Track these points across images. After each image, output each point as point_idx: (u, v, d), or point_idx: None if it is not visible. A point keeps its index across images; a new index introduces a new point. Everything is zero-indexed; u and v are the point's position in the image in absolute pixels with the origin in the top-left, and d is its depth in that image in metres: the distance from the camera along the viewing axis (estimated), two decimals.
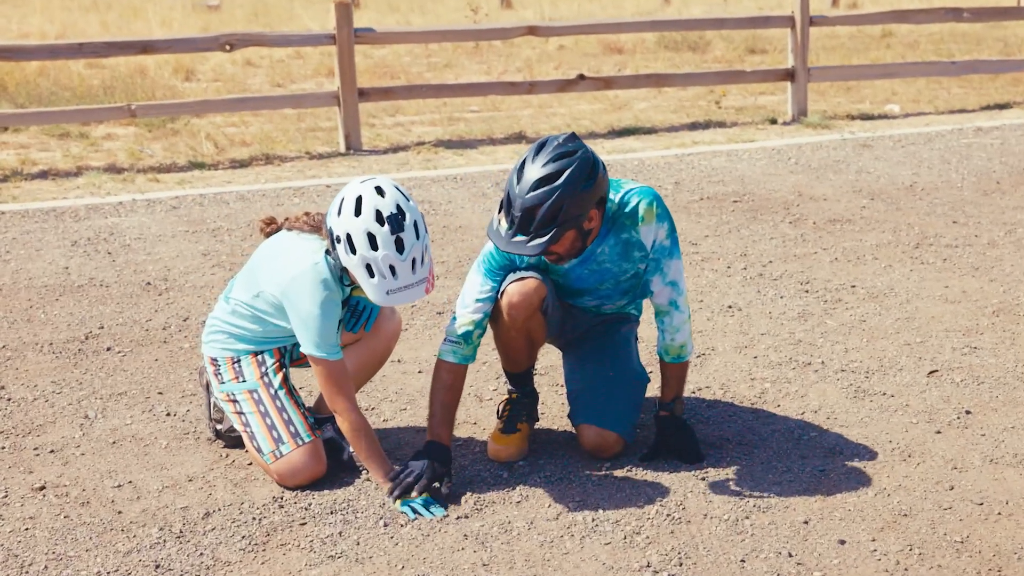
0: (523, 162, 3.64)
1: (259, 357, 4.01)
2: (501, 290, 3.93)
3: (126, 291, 6.03)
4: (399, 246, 3.59)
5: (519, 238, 3.61)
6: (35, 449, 4.19)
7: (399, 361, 5.05)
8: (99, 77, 13.22)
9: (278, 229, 4.00)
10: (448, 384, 3.93)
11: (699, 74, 11.81)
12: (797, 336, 5.27)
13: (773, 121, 11.21)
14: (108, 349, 5.20)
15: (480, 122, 11.47)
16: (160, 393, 4.72)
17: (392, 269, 3.59)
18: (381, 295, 3.63)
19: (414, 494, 3.72)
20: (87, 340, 5.31)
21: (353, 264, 3.62)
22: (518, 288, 3.89)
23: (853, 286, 5.97)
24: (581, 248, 3.76)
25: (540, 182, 3.57)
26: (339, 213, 3.62)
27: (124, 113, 9.75)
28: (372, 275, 3.61)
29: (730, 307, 5.69)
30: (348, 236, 3.60)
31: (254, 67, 15.17)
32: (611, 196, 3.87)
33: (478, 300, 3.92)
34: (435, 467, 3.79)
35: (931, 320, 5.45)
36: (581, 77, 10.83)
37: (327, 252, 3.75)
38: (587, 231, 3.74)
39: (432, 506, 3.71)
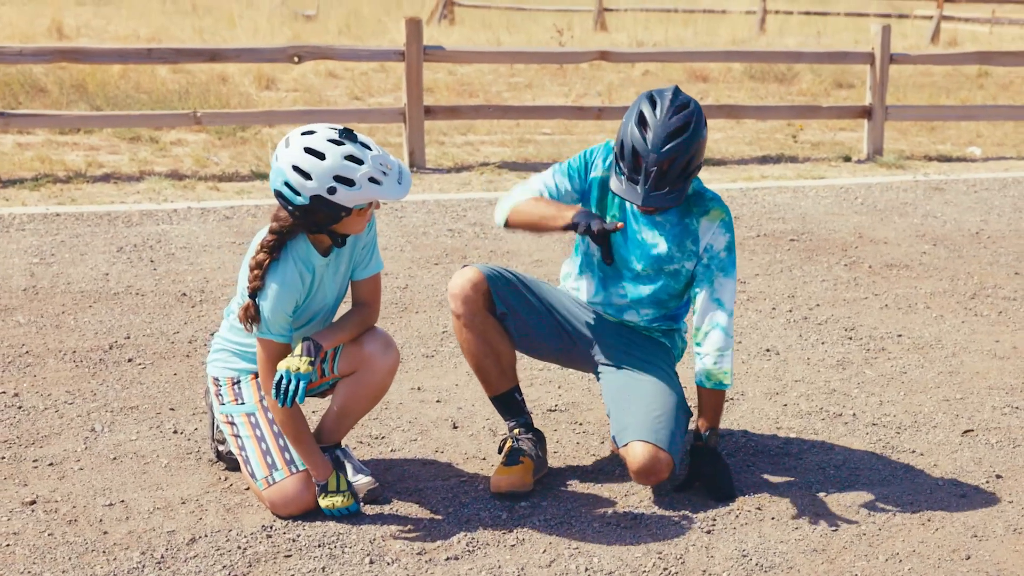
0: (641, 116, 3.74)
1: (259, 380, 3.94)
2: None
3: (160, 301, 6.01)
4: (368, 147, 3.65)
5: (657, 192, 3.70)
6: (35, 461, 4.15)
7: (419, 389, 4.95)
8: (180, 82, 13.32)
9: None
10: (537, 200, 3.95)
11: (772, 107, 11.56)
12: (832, 385, 5.08)
13: (847, 159, 10.94)
14: (129, 360, 5.16)
15: (550, 145, 11.36)
16: (172, 409, 4.66)
17: (384, 166, 3.64)
18: (396, 189, 3.65)
19: (595, 226, 3.73)
20: (110, 350, 5.28)
21: (361, 193, 3.61)
22: (457, 275, 3.99)
23: (899, 335, 5.75)
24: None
25: (672, 135, 3.69)
26: (309, 177, 3.58)
27: (190, 120, 9.79)
28: (379, 182, 3.62)
29: (768, 351, 5.51)
30: (337, 177, 3.59)
31: (336, 79, 15.18)
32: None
33: (542, 180, 4.00)
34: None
35: (975, 376, 5.23)
36: None
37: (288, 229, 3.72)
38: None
39: (351, 507, 3.78)
